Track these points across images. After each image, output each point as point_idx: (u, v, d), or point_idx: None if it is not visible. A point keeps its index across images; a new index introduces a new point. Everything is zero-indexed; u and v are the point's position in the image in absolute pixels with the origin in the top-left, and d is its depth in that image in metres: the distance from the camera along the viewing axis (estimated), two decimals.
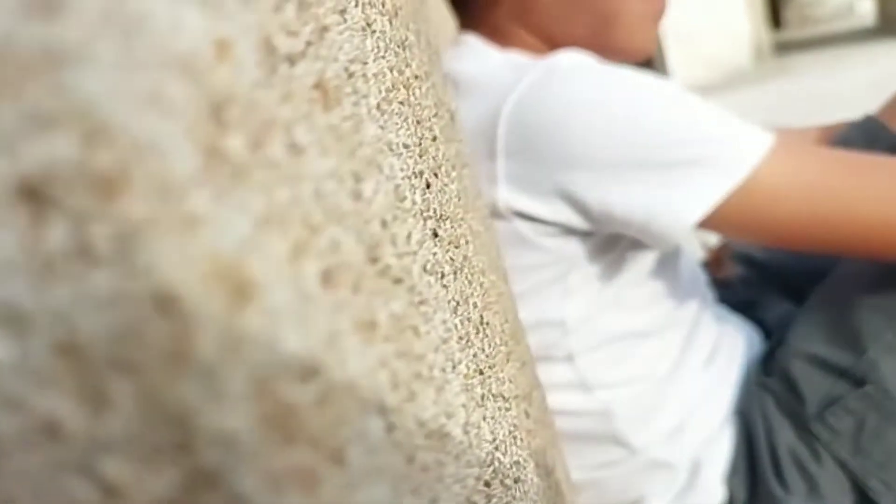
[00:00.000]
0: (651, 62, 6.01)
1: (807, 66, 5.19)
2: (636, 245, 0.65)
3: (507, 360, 0.35)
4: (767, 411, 0.70)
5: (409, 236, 0.25)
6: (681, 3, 5.30)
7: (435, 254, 0.27)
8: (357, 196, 0.22)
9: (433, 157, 0.29)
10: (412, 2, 0.32)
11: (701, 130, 0.56)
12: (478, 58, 0.65)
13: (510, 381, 0.34)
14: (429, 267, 0.26)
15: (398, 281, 0.23)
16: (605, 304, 0.65)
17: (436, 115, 0.31)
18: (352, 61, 0.24)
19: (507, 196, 0.59)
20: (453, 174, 0.32)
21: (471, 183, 0.39)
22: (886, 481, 0.64)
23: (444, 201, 0.29)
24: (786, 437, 0.68)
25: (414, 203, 0.26)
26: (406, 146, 0.26)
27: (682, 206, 0.55)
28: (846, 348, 0.67)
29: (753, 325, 0.83)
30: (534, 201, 0.58)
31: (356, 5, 0.25)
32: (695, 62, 5.30)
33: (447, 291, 0.27)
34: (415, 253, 0.25)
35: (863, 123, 0.87)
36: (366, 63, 0.25)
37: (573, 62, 0.58)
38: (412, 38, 0.30)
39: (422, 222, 0.26)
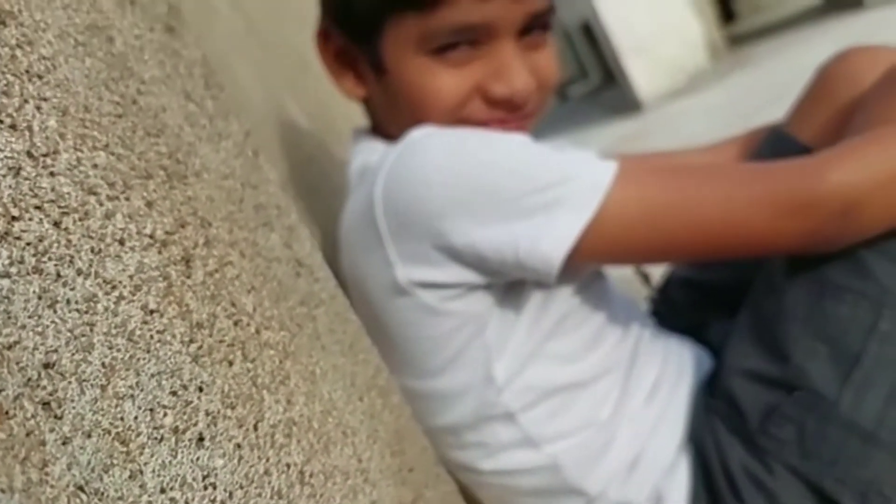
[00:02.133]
0: (613, 79, 6.10)
1: (762, 55, 5.27)
2: (548, 293, 0.68)
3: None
4: (717, 434, 0.72)
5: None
6: (630, 17, 5.40)
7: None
8: None
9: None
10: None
11: (549, 174, 0.60)
12: (361, 152, 0.70)
13: None
14: None
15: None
16: (533, 356, 0.68)
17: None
18: None
19: (405, 272, 0.62)
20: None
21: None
22: (840, 478, 0.65)
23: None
24: (737, 455, 0.70)
25: None
26: None
27: (544, 247, 0.59)
28: (774, 358, 0.69)
29: (702, 347, 0.85)
30: (428, 269, 0.62)
31: None
32: (655, 71, 5.38)
33: None
34: None
35: (770, 135, 0.91)
36: None
37: (423, 133, 0.63)
38: None
39: None
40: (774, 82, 4.09)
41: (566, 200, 0.59)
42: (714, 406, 0.73)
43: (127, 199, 0.25)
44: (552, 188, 0.59)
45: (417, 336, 0.66)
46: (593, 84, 7.44)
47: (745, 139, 0.95)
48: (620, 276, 0.93)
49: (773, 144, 0.88)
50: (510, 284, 0.66)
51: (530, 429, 0.69)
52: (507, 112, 0.68)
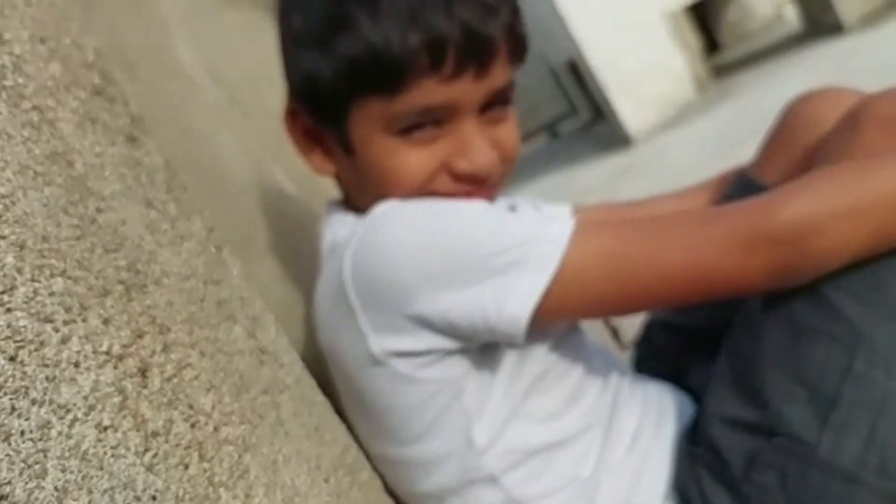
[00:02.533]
0: (602, 114, 6.18)
1: (747, 84, 5.34)
2: (522, 352, 0.69)
3: None
4: (702, 482, 0.73)
5: None
6: (614, 53, 5.49)
7: None
8: None
9: None
10: None
11: (510, 236, 0.62)
12: (331, 225, 0.73)
13: None
14: None
15: None
16: (513, 417, 0.69)
17: None
18: None
19: (378, 342, 0.64)
20: None
21: None
22: None
23: None
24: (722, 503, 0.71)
25: None
26: None
27: (510, 308, 0.61)
28: (753, 404, 0.70)
29: (684, 393, 0.86)
30: (401, 338, 0.64)
31: None
32: (642, 106, 5.46)
33: None
34: None
35: (737, 181, 0.93)
36: None
37: (386, 208, 0.66)
38: None
39: None
40: (761, 111, 4.15)
41: (528, 260, 0.61)
42: (697, 454, 0.74)
43: (84, 320, 0.27)
44: (513, 249, 0.61)
45: (396, 405, 0.68)
46: (583, 120, 7.53)
47: (715, 184, 0.97)
48: (596, 327, 0.95)
49: (741, 189, 0.90)
50: (484, 347, 0.67)
51: (514, 490, 0.70)
52: (472, 185, 0.71)
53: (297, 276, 0.95)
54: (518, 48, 0.71)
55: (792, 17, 7.10)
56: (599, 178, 4.70)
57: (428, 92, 0.65)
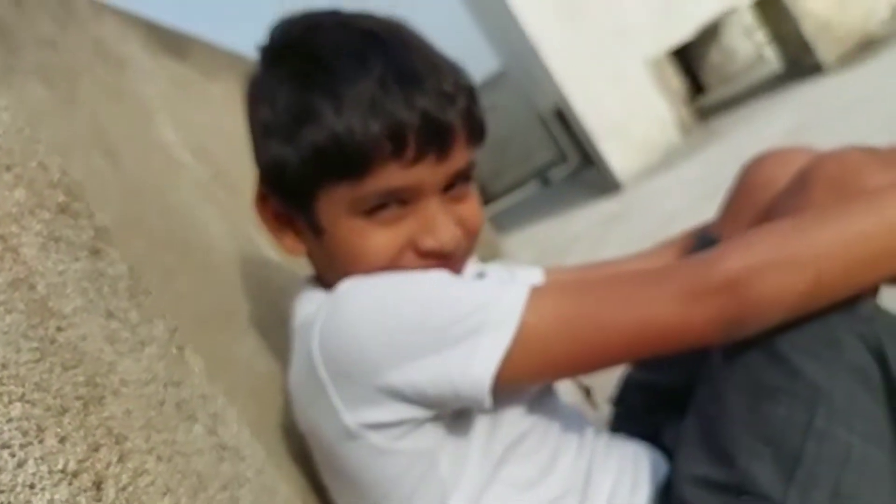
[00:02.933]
0: (589, 159, 6.26)
1: (730, 126, 5.45)
2: (495, 418, 0.71)
3: None
4: None
5: None
6: (598, 100, 5.59)
7: None
8: None
9: None
10: None
11: (469, 303, 0.65)
12: (302, 302, 0.76)
13: None
14: None
15: None
16: (490, 485, 0.71)
17: None
18: None
19: (351, 417, 0.66)
20: None
21: None
22: None
23: None
24: None
25: None
26: None
27: (474, 372, 0.63)
28: (720, 463, 0.71)
29: (659, 452, 0.87)
30: (373, 410, 0.66)
31: None
32: (629, 151, 5.55)
33: None
34: None
35: (699, 239, 0.97)
36: None
37: (349, 285, 0.68)
38: None
39: None
40: (744, 152, 4.21)
41: (487, 325, 0.64)
42: None
43: (40, 441, 0.29)
44: (472, 316, 0.64)
45: (373, 478, 0.70)
46: (573, 166, 7.62)
47: (680, 243, 1.00)
48: (568, 387, 0.97)
49: (702, 247, 0.92)
50: (457, 415, 0.69)
51: None
52: (437, 261, 0.74)
53: (282, 347, 0.97)
54: (476, 131, 0.74)
55: (772, 58, 7.25)
56: (589, 225, 4.75)
57: (391, 176, 0.69)
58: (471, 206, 0.76)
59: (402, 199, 0.71)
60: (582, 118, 5.58)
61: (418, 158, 0.68)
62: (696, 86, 9.08)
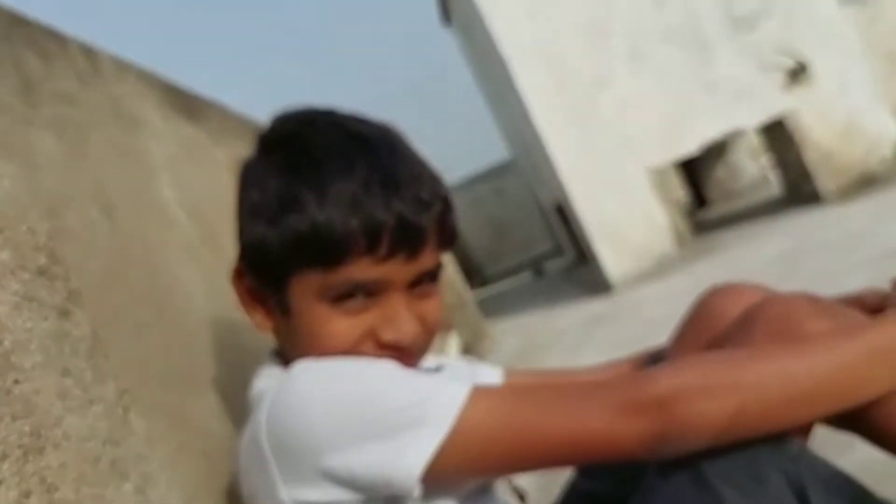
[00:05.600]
0: (584, 257, 6.34)
1: (726, 243, 5.55)
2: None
3: None
4: None
5: None
6: (597, 201, 5.71)
7: None
8: None
9: None
10: None
11: (412, 395, 0.69)
12: (260, 377, 0.80)
13: None
14: None
15: None
16: None
17: None
18: None
19: (288, 493, 0.69)
20: None
21: None
22: None
23: None
24: None
25: None
26: None
27: (406, 462, 0.66)
28: None
29: None
30: (309, 490, 0.69)
31: None
32: (623, 254, 5.65)
33: None
34: None
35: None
36: None
37: (301, 367, 0.72)
38: None
39: None
40: (737, 270, 4.30)
41: (426, 418, 0.67)
42: None
43: None
44: (414, 407, 0.68)
45: None
46: (568, 261, 7.71)
47: (635, 361, 1.05)
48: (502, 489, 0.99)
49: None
50: (389, 501, 0.72)
51: None
52: (395, 353, 0.78)
53: (242, 411, 1.00)
54: (446, 237, 0.80)
55: (775, 181, 7.41)
56: (576, 323, 4.79)
57: (362, 269, 0.74)
58: (433, 305, 0.81)
59: (370, 291, 0.76)
60: (580, 216, 5.70)
61: (390, 256, 0.74)
62: (700, 198, 9.26)
